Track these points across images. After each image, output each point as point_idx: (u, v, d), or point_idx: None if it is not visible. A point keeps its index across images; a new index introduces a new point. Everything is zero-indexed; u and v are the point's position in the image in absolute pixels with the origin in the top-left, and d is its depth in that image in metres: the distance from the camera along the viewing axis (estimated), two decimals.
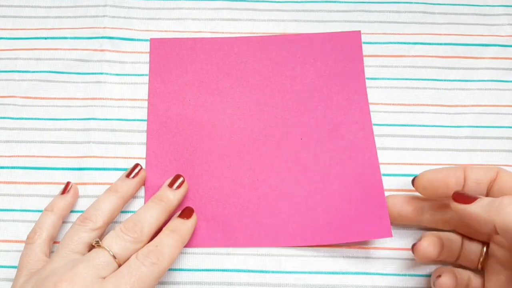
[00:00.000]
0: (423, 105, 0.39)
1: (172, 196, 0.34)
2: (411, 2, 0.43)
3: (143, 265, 0.29)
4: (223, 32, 0.41)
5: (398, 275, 0.34)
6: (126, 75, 0.40)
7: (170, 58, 0.40)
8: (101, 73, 0.40)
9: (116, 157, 0.37)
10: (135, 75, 0.40)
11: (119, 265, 0.30)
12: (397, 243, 0.35)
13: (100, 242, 0.30)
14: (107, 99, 0.39)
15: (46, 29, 0.41)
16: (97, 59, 0.40)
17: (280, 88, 0.39)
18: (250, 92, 0.39)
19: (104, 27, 0.41)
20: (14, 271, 0.33)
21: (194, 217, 0.34)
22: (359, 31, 0.41)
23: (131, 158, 0.37)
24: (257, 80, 0.39)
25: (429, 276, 0.34)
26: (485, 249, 0.32)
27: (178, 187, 0.34)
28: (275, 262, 0.34)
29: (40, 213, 0.35)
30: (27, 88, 0.39)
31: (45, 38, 0.41)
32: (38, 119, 0.38)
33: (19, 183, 0.36)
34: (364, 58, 0.41)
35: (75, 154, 0.37)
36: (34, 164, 0.37)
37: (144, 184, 0.36)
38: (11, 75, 0.40)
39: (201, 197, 0.36)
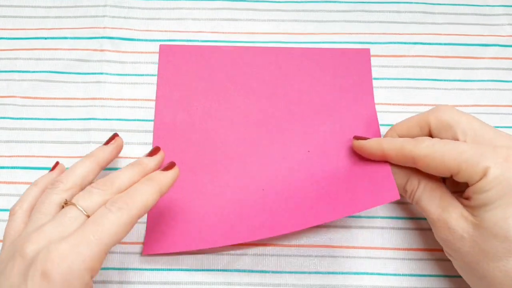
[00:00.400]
0: (423, 105, 0.39)
1: (147, 161, 0.32)
2: (411, 2, 0.43)
3: (110, 212, 0.28)
4: (223, 32, 0.41)
5: (398, 275, 0.34)
6: (126, 75, 0.40)
7: (178, 65, 0.40)
8: (101, 73, 0.40)
9: (116, 157, 0.37)
10: (135, 75, 0.40)
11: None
12: (397, 244, 0.35)
13: (67, 201, 0.29)
14: (107, 99, 0.39)
15: (46, 29, 0.41)
16: (97, 59, 0.40)
17: (288, 100, 0.39)
18: (257, 102, 0.39)
19: (104, 27, 0.41)
20: None
21: (175, 169, 0.32)
22: (368, 49, 0.40)
23: (131, 158, 0.37)
24: (265, 91, 0.39)
25: (429, 276, 0.34)
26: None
27: (154, 154, 0.33)
28: (275, 262, 0.34)
29: None
30: (27, 88, 0.39)
31: (45, 38, 0.41)
32: (38, 119, 0.38)
33: (19, 183, 0.36)
34: None
35: (75, 154, 0.37)
36: (34, 164, 0.37)
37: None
38: (11, 75, 0.40)
39: (205, 204, 0.35)
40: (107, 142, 0.34)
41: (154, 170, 0.32)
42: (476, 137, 0.30)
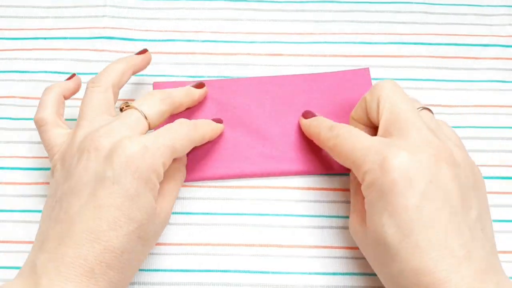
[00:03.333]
0: (423, 105, 0.39)
1: (195, 91, 0.36)
2: (411, 2, 0.43)
3: (182, 125, 0.32)
4: (223, 32, 0.41)
5: None
6: None
7: None
8: None
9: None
10: (135, 75, 0.40)
11: (149, 125, 0.31)
12: None
13: (129, 103, 0.32)
14: None
15: (46, 29, 0.41)
16: (97, 59, 0.40)
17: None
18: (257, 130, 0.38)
19: (104, 27, 0.41)
20: (15, 271, 0.34)
21: (222, 125, 0.37)
22: (367, 68, 0.39)
23: None
24: (265, 121, 0.38)
25: None
26: None
27: (199, 87, 0.37)
28: (275, 262, 0.34)
29: (39, 213, 0.35)
30: (27, 88, 0.39)
31: (45, 38, 0.41)
32: None
33: (19, 183, 0.36)
34: (364, 58, 0.41)
35: None
36: (34, 164, 0.37)
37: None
38: (11, 75, 0.40)
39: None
40: (138, 53, 0.36)
41: (199, 100, 0.37)
42: (392, 114, 0.30)
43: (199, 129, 0.33)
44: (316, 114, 0.36)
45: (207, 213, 0.36)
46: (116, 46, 0.41)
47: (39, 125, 0.33)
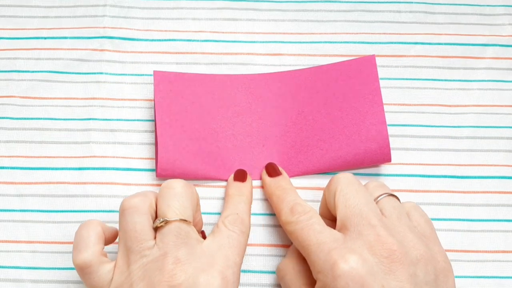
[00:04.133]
0: (423, 105, 0.39)
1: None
2: (412, 2, 0.43)
3: (234, 233, 0.31)
4: (223, 32, 0.41)
5: None
6: (126, 75, 0.40)
7: (173, 92, 0.38)
8: (101, 73, 0.40)
9: (116, 157, 0.37)
10: (135, 75, 0.40)
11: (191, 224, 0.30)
12: None
13: (162, 218, 0.29)
14: (107, 99, 0.39)
15: (46, 29, 0.41)
16: (97, 59, 0.40)
17: (297, 120, 0.38)
18: (263, 125, 0.38)
19: (104, 27, 0.41)
20: (15, 271, 0.34)
21: (249, 178, 0.36)
22: (373, 56, 0.38)
23: (131, 158, 0.37)
24: (271, 115, 0.38)
25: None
26: None
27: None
28: (275, 262, 0.34)
29: (39, 213, 0.35)
30: (27, 88, 0.39)
31: (45, 38, 0.41)
32: (38, 119, 0.38)
33: (19, 183, 0.36)
34: None
35: (75, 154, 0.37)
36: (34, 164, 0.37)
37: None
38: (11, 75, 0.40)
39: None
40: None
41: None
42: (346, 209, 0.29)
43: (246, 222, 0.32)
44: (281, 171, 0.36)
45: (207, 213, 0.36)
46: (116, 46, 0.41)
47: (83, 269, 0.28)
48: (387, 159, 0.36)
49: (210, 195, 0.36)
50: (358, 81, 0.38)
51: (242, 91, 0.39)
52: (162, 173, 0.36)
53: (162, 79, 0.37)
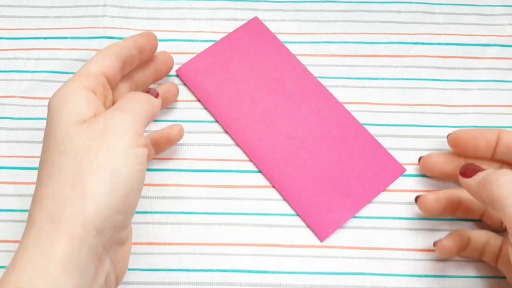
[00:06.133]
0: (423, 105, 0.39)
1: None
2: (412, 2, 0.43)
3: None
4: (223, 32, 0.41)
5: (399, 275, 0.34)
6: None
7: (202, 77, 0.40)
8: None
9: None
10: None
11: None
12: (397, 244, 0.35)
13: None
14: None
15: (46, 29, 0.41)
16: None
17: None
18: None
19: (104, 27, 0.41)
20: None
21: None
22: (256, 17, 0.41)
23: None
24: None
25: (430, 276, 0.34)
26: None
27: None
28: (275, 262, 0.34)
29: None
30: (27, 88, 0.39)
31: (45, 38, 0.41)
32: (38, 119, 0.38)
33: (19, 183, 0.36)
34: (364, 58, 0.41)
35: None
36: (34, 164, 0.37)
37: None
38: (11, 75, 0.40)
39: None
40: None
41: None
42: None
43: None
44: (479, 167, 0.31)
45: (207, 213, 0.36)
46: None
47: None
48: (400, 170, 0.37)
49: (198, 195, 0.36)
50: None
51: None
52: (182, 71, 0.40)
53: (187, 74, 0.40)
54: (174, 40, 0.41)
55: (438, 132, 0.38)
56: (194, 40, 0.41)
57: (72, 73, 0.39)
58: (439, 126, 0.38)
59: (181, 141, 0.37)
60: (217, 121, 0.38)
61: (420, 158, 0.36)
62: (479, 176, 0.29)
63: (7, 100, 0.39)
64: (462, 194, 0.33)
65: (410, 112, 0.39)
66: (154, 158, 0.37)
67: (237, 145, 0.38)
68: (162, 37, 0.41)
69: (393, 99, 0.39)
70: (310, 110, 0.38)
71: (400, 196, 0.36)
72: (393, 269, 0.34)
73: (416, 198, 0.34)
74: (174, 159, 0.37)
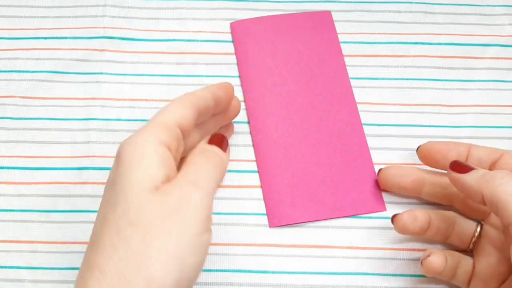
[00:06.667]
0: (423, 105, 0.39)
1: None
2: (412, 2, 0.43)
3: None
4: (223, 32, 0.41)
5: (398, 275, 0.34)
6: (126, 75, 0.40)
7: (252, 40, 0.41)
8: (101, 73, 0.40)
9: None
10: (135, 75, 0.40)
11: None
12: (398, 244, 0.35)
13: None
14: (107, 99, 0.39)
15: (46, 29, 0.41)
16: (97, 59, 0.40)
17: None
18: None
19: (104, 27, 0.41)
20: (15, 271, 0.34)
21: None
22: (329, 12, 0.41)
23: None
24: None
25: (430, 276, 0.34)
26: (479, 229, 0.32)
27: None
28: (275, 262, 0.34)
29: (39, 213, 0.35)
30: (27, 88, 0.39)
31: (45, 38, 0.41)
32: (38, 119, 0.38)
33: (18, 183, 0.36)
34: (364, 58, 0.41)
35: (75, 154, 0.37)
36: (34, 164, 0.37)
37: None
38: (11, 75, 0.40)
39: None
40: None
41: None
42: None
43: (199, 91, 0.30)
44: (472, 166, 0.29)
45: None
46: (116, 46, 0.41)
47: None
48: (379, 208, 0.36)
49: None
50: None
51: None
52: (236, 26, 0.41)
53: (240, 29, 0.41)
54: (174, 40, 0.41)
55: (438, 132, 0.38)
56: (194, 40, 0.41)
57: (72, 73, 0.40)
58: (439, 126, 0.38)
59: None
60: (240, 85, 0.39)
61: (379, 171, 0.35)
62: (478, 173, 0.28)
63: (7, 100, 0.39)
64: (432, 213, 0.33)
65: (410, 112, 0.39)
66: None
67: (245, 109, 0.39)
68: (162, 37, 0.41)
69: (393, 99, 0.39)
70: (327, 114, 0.38)
71: (399, 198, 0.36)
72: (393, 269, 0.34)
73: (393, 218, 0.33)
74: None
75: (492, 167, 0.31)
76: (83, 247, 0.34)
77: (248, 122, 0.38)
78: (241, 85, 0.39)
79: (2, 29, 0.41)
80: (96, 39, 0.41)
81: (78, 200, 0.36)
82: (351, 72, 0.40)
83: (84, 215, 0.35)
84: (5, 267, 0.34)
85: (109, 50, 0.40)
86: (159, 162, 0.26)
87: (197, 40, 0.41)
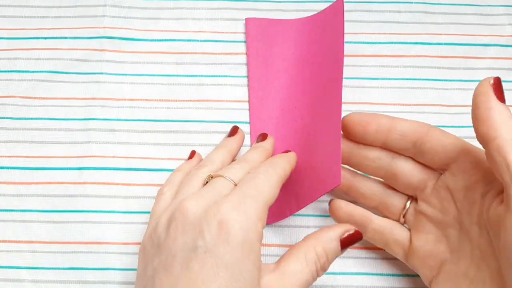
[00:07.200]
0: (423, 105, 0.39)
1: (265, 144, 0.34)
2: (412, 2, 0.43)
3: (258, 174, 0.29)
4: (223, 32, 0.41)
5: (398, 275, 0.34)
6: (125, 75, 0.40)
7: (265, 39, 0.41)
8: (101, 73, 0.40)
9: (116, 157, 0.37)
10: (135, 75, 0.40)
11: None
12: None
13: (212, 174, 0.30)
14: (106, 99, 0.39)
15: (46, 29, 0.41)
16: (97, 59, 0.40)
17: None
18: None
19: (103, 27, 0.41)
20: (15, 271, 0.34)
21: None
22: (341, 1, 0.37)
23: (130, 158, 0.37)
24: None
25: None
26: (408, 203, 0.32)
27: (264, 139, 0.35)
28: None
29: (39, 213, 0.35)
30: (27, 88, 0.39)
31: (45, 38, 0.41)
32: (38, 119, 0.38)
33: (18, 183, 0.36)
34: (364, 58, 0.41)
35: (74, 154, 0.37)
36: (34, 164, 0.37)
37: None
38: (11, 75, 0.40)
39: None
40: (231, 135, 0.35)
41: (271, 152, 0.34)
42: None
43: (277, 167, 0.30)
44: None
45: None
46: (116, 46, 0.41)
47: (159, 194, 0.31)
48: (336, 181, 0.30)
49: None
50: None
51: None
52: (251, 22, 0.41)
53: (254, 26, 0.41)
54: (174, 40, 0.41)
55: None
56: (194, 40, 0.41)
57: (72, 73, 0.40)
58: (439, 126, 0.38)
59: (180, 141, 0.37)
60: (247, 85, 0.40)
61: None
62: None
63: (7, 100, 0.39)
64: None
65: (410, 112, 0.39)
66: (155, 158, 0.37)
67: (248, 109, 0.39)
68: (162, 37, 0.41)
69: (393, 99, 0.39)
70: (314, 118, 0.36)
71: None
72: (393, 269, 0.34)
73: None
74: (174, 159, 0.37)
75: (418, 143, 0.30)
76: (83, 247, 0.34)
77: (249, 122, 0.38)
78: (248, 84, 0.39)
79: (2, 29, 0.41)
80: (96, 39, 0.41)
81: (78, 200, 0.36)
82: (352, 72, 0.40)
83: (84, 215, 0.35)
84: (5, 267, 0.34)
85: (109, 50, 0.40)
86: (260, 248, 0.27)
87: (197, 40, 0.41)
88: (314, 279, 0.28)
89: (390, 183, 0.33)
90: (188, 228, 0.26)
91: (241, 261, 0.25)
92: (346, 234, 0.29)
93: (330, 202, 0.34)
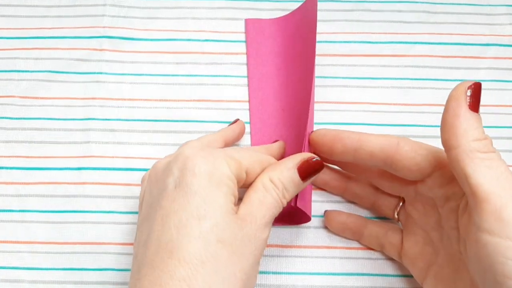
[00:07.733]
0: (424, 105, 0.39)
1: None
2: (413, 2, 0.43)
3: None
4: (223, 32, 0.41)
5: (398, 276, 0.34)
6: (125, 74, 0.40)
7: (264, 39, 0.41)
8: (101, 73, 0.40)
9: (116, 157, 0.37)
10: (135, 74, 0.40)
11: None
12: None
13: None
14: (106, 99, 0.39)
15: (46, 28, 0.41)
16: (97, 59, 0.40)
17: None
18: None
19: (103, 27, 0.41)
20: (14, 271, 0.34)
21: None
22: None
23: (130, 158, 0.37)
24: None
25: None
26: (401, 204, 0.33)
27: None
28: (275, 262, 0.34)
29: (38, 213, 0.35)
30: (27, 88, 0.39)
31: (45, 38, 0.41)
32: (38, 119, 0.38)
33: (18, 183, 0.36)
34: (365, 58, 0.40)
35: (74, 154, 0.37)
36: (34, 164, 0.37)
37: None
38: (11, 74, 0.40)
39: None
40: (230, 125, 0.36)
41: (276, 151, 0.34)
42: None
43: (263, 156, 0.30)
44: None
45: None
46: (116, 46, 0.41)
47: (143, 180, 0.31)
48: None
49: None
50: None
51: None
52: (250, 23, 0.42)
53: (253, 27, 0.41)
54: (174, 39, 0.41)
55: (438, 132, 0.38)
56: (194, 40, 0.41)
57: (72, 72, 0.40)
58: (439, 126, 0.38)
59: (180, 141, 0.37)
60: (247, 85, 0.40)
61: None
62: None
63: (7, 100, 0.39)
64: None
65: (410, 112, 0.39)
66: (154, 158, 0.37)
67: (248, 109, 0.39)
68: (161, 37, 0.41)
69: (394, 99, 0.39)
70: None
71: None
72: (393, 269, 0.34)
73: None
74: None
75: (389, 161, 0.29)
76: (83, 248, 0.34)
77: (249, 122, 0.38)
78: (248, 84, 0.39)
79: (2, 29, 0.41)
80: (96, 38, 0.41)
81: (78, 200, 0.36)
82: (352, 72, 0.40)
83: (83, 215, 0.35)
84: (4, 267, 0.34)
85: (109, 50, 0.40)
86: (234, 190, 0.27)
87: (197, 40, 0.41)
88: (279, 205, 0.28)
89: (382, 187, 0.33)
90: (160, 175, 0.28)
91: (209, 189, 0.26)
92: (301, 162, 0.29)
93: (324, 214, 0.35)
